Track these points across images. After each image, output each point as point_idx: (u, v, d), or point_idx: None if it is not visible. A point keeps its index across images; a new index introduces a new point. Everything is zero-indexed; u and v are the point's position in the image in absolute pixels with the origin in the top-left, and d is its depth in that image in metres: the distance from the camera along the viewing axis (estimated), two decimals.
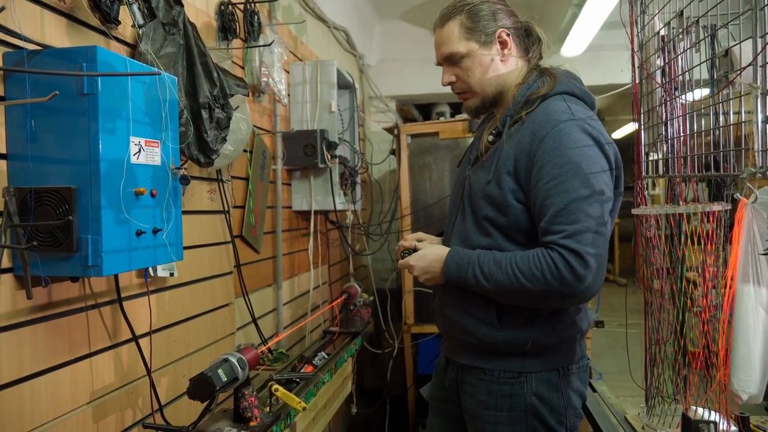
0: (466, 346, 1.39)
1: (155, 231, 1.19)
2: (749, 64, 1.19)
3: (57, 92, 0.94)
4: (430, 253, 1.39)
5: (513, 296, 1.26)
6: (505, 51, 1.37)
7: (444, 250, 1.36)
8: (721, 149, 1.46)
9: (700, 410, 1.43)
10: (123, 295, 1.33)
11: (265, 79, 2.13)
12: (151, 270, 1.43)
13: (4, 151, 1.05)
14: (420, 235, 1.56)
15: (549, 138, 1.23)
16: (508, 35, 1.37)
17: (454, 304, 1.39)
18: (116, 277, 1.31)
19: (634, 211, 1.64)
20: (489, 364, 1.34)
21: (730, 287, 1.25)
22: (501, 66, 1.37)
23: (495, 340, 1.31)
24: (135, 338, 1.36)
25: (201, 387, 1.23)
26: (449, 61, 1.38)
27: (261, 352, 1.50)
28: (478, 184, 1.35)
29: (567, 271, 1.16)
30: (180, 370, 1.61)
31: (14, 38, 1.06)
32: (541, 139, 1.24)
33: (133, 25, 1.36)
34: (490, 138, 1.38)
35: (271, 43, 2.04)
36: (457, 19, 1.36)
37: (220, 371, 1.27)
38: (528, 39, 1.42)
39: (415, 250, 1.44)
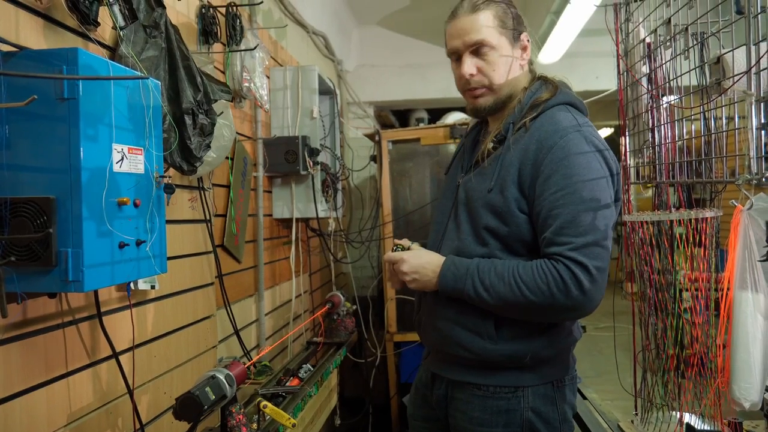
0: (459, 361, 1.34)
1: (138, 243, 1.13)
2: (745, 72, 1.19)
3: (35, 96, 0.88)
4: (425, 255, 1.33)
5: (514, 309, 1.22)
6: (524, 56, 1.36)
7: (439, 258, 1.31)
8: (711, 155, 1.47)
9: (694, 417, 1.43)
10: (102, 309, 1.26)
11: (246, 84, 2.07)
12: (132, 283, 1.36)
13: None
14: (408, 241, 1.49)
15: (557, 148, 1.21)
16: (528, 41, 1.36)
17: (448, 316, 1.33)
18: (96, 291, 1.24)
19: (626, 218, 1.64)
20: (484, 379, 1.30)
21: (726, 295, 1.24)
22: (518, 70, 1.35)
23: (492, 355, 1.27)
24: (115, 355, 1.29)
25: (188, 407, 1.17)
26: (475, 51, 1.31)
27: (247, 366, 1.44)
28: (478, 192, 1.31)
29: (573, 284, 1.14)
30: (161, 387, 1.54)
31: None
32: (549, 149, 1.22)
33: (114, 27, 1.30)
34: (491, 145, 1.35)
35: (256, 47, 1.99)
36: (492, 9, 1.31)
37: (207, 389, 1.21)
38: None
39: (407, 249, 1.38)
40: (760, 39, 1.22)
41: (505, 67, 1.32)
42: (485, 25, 1.30)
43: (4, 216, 0.95)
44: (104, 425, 1.29)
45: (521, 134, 1.29)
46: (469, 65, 1.32)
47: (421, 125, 4.89)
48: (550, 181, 1.20)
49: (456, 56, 1.36)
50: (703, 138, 1.46)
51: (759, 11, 1.22)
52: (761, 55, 1.14)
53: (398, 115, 5.80)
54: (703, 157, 1.47)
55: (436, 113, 5.01)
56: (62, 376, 1.17)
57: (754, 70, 1.21)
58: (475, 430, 1.30)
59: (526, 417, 1.27)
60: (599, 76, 4.59)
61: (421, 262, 1.31)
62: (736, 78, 1.24)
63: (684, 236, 1.45)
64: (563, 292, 1.15)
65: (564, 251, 1.15)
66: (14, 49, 1.03)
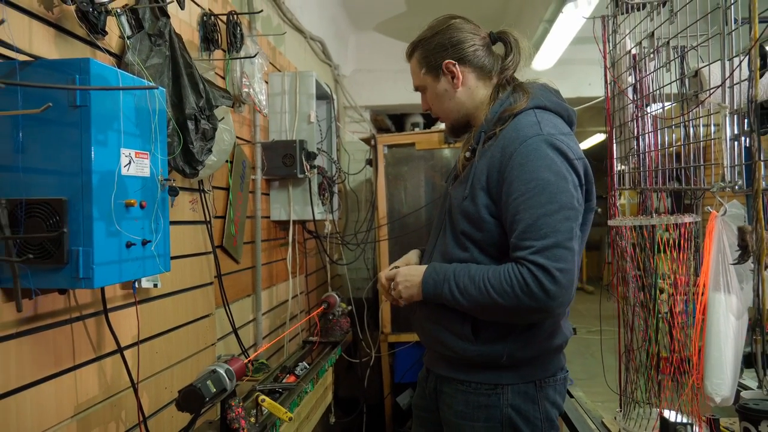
0: (443, 358, 1.42)
1: (144, 242, 1.19)
2: (718, 86, 1.26)
3: (50, 104, 0.94)
4: (407, 269, 1.42)
5: (487, 311, 1.28)
6: (455, 80, 1.40)
7: (422, 268, 1.38)
8: (691, 163, 1.54)
9: (672, 413, 1.49)
10: (108, 306, 1.32)
11: (246, 90, 2.13)
12: (136, 281, 1.41)
13: None
14: (403, 261, 1.57)
15: (517, 154, 1.25)
16: (455, 65, 1.39)
17: (432, 317, 1.41)
18: (102, 288, 1.29)
19: (610, 223, 1.70)
20: (466, 375, 1.37)
21: (702, 294, 1.31)
22: (456, 94, 1.41)
23: (470, 354, 1.33)
24: (120, 350, 1.35)
25: (190, 399, 1.23)
26: (419, 90, 1.49)
27: (245, 363, 1.50)
28: (456, 199, 1.38)
29: (536, 286, 1.17)
30: (162, 382, 1.59)
31: (5, 49, 1.05)
32: (510, 156, 1.26)
33: (121, 36, 1.36)
34: (467, 155, 1.42)
35: (255, 55, 2.05)
36: (417, 54, 1.45)
37: (208, 383, 1.27)
38: (490, 56, 1.42)
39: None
40: (734, 54, 1.29)
41: (439, 99, 1.44)
42: (415, 71, 1.46)
43: (20, 216, 1.01)
44: (108, 417, 1.35)
45: (490, 143, 1.34)
46: (423, 103, 1.50)
47: (417, 130, 4.96)
48: (512, 187, 1.24)
49: None
50: (683, 147, 1.53)
51: (734, 28, 1.30)
52: (733, 70, 1.21)
53: (394, 119, 5.87)
54: (683, 165, 1.54)
55: (431, 118, 5.07)
56: (70, 369, 1.23)
57: (728, 83, 1.28)
58: (460, 422, 1.36)
59: (506, 413, 1.32)
60: (592, 83, 4.67)
61: (410, 270, 1.40)
62: (711, 91, 1.31)
63: (666, 240, 1.52)
64: (527, 294, 1.18)
65: (527, 255, 1.19)
66: (29, 58, 1.08)
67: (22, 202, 1.02)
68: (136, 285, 1.40)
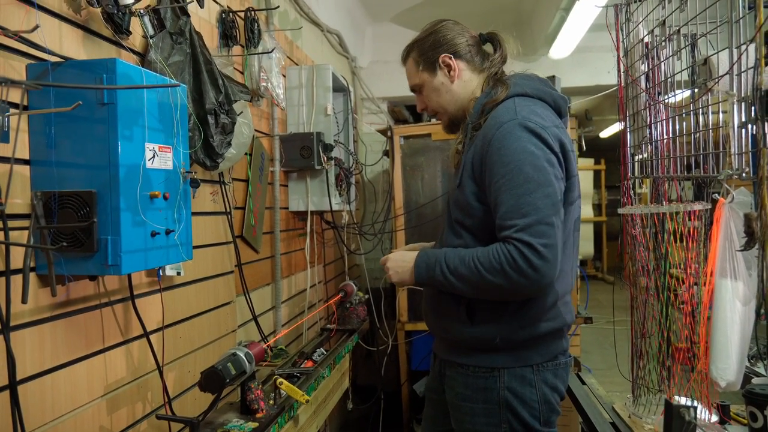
0: (444, 342, 1.50)
1: (168, 232, 1.25)
2: (726, 73, 1.27)
3: (80, 102, 1.00)
4: (399, 253, 1.49)
5: (479, 290, 1.32)
6: (452, 73, 1.48)
7: (413, 254, 1.44)
8: (701, 152, 1.55)
9: (682, 399, 1.52)
10: (134, 293, 1.39)
11: (264, 84, 2.19)
12: (160, 269, 1.48)
13: (27, 157, 1.11)
14: (413, 246, 1.65)
15: (494, 139, 1.32)
16: (450, 58, 1.47)
17: (432, 304, 1.50)
18: (129, 275, 1.37)
19: (620, 211, 1.72)
20: (464, 359, 1.43)
21: (709, 282, 1.33)
22: (452, 86, 1.49)
23: (465, 336, 1.40)
24: (146, 334, 1.42)
25: (212, 380, 1.30)
26: (415, 91, 1.56)
27: (264, 347, 1.56)
28: (451, 190, 1.47)
29: (523, 262, 1.22)
30: (185, 365, 1.67)
31: (37, 51, 1.12)
32: (489, 142, 1.33)
33: (144, 36, 1.42)
34: (460, 147, 1.49)
35: (273, 50, 2.11)
36: (412, 56, 1.53)
37: (229, 365, 1.33)
38: (481, 53, 1.51)
39: None
40: (741, 42, 1.30)
41: (437, 93, 1.50)
42: (411, 72, 1.53)
43: (53, 207, 1.08)
44: (136, 398, 1.43)
45: (476, 134, 1.41)
46: (419, 103, 1.58)
47: (433, 121, 4.97)
48: (492, 171, 1.31)
49: None
50: (693, 135, 1.54)
51: (741, 16, 1.31)
52: (739, 57, 1.22)
53: (412, 110, 5.88)
54: (693, 153, 1.55)
55: None
56: (100, 352, 1.31)
57: (735, 71, 1.29)
58: (461, 404, 1.43)
59: (503, 396, 1.37)
60: (611, 71, 4.63)
61: (400, 256, 1.47)
62: (719, 78, 1.32)
63: (675, 228, 1.54)
64: (515, 270, 1.23)
65: (511, 234, 1.25)
66: (60, 59, 1.15)
67: (55, 194, 1.09)
68: (161, 273, 1.47)
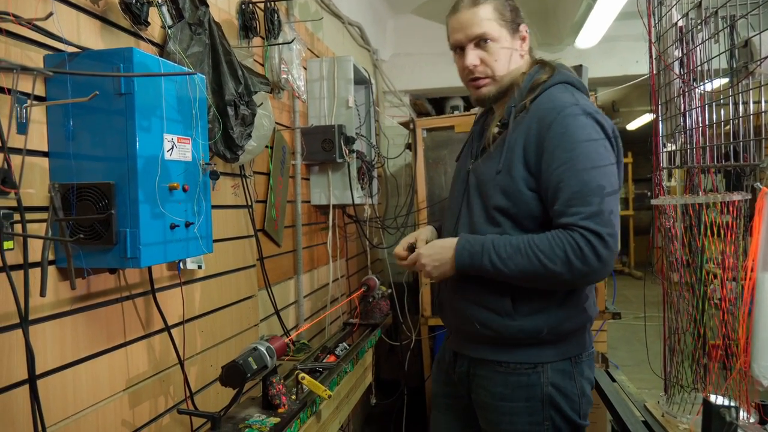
0: (480, 339, 1.39)
1: (187, 224, 1.24)
2: None
3: (97, 92, 0.98)
4: (437, 242, 1.39)
5: (533, 278, 1.27)
6: (523, 46, 1.41)
7: (451, 241, 1.36)
8: (740, 139, 1.47)
9: (718, 398, 1.45)
10: (155, 286, 1.38)
11: (284, 76, 2.16)
12: (181, 262, 1.47)
13: (45, 149, 1.10)
14: (418, 233, 1.54)
15: (556, 123, 1.26)
16: (527, 32, 1.42)
17: (468, 297, 1.39)
18: (150, 269, 1.36)
19: (654, 202, 1.66)
20: (505, 356, 1.36)
21: (750, 277, 1.26)
22: (518, 59, 1.41)
23: (511, 331, 1.33)
24: (168, 328, 1.41)
25: (233, 374, 1.28)
26: (477, 43, 1.38)
27: (286, 342, 1.54)
28: (487, 175, 1.37)
29: (589, 251, 1.19)
30: (207, 360, 1.66)
31: (55, 41, 1.11)
32: (548, 125, 1.27)
33: (162, 26, 1.40)
34: (496, 129, 1.41)
35: (293, 40, 2.08)
36: (491, 3, 1.37)
37: (250, 359, 1.31)
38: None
39: (414, 248, 1.45)
40: None
41: (506, 58, 1.38)
42: (486, 18, 1.36)
43: (72, 200, 1.07)
44: (158, 392, 1.42)
45: (522, 116, 1.34)
46: (473, 57, 1.38)
47: (456, 113, 4.91)
48: (554, 155, 1.25)
49: (459, 49, 1.41)
50: (731, 122, 1.47)
51: None
52: None
53: (434, 103, 5.82)
54: (731, 141, 1.48)
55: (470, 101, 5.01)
56: (121, 345, 1.30)
57: None
58: (498, 404, 1.36)
59: (546, 392, 1.32)
60: (639, 60, 4.50)
61: (435, 249, 1.38)
62: (761, 60, 1.25)
63: (713, 220, 1.47)
64: (580, 259, 1.20)
65: (577, 221, 1.20)
66: (77, 50, 1.14)
67: (74, 186, 1.07)
68: (181, 266, 1.46)
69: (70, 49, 1.13)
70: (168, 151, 1.18)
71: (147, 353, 1.38)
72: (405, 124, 3.61)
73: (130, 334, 1.32)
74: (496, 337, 1.36)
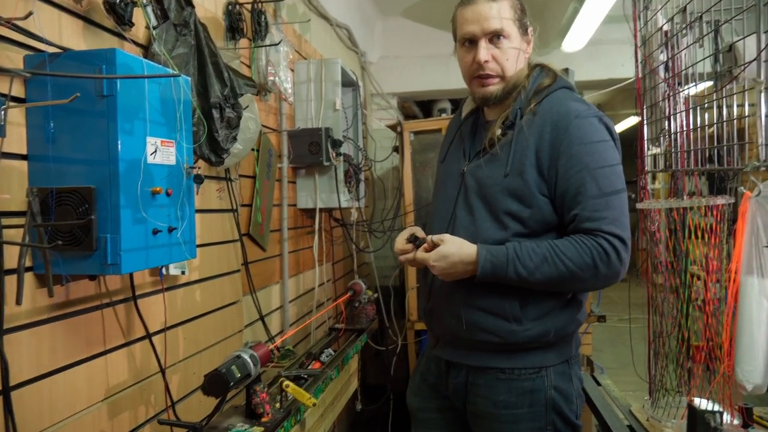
0: (481, 346, 1.35)
1: (170, 229, 1.21)
2: (753, 60, 1.21)
3: (78, 94, 0.96)
4: (453, 253, 1.30)
5: (557, 285, 1.27)
6: (528, 49, 1.41)
7: (469, 249, 1.29)
8: (724, 143, 1.48)
9: (703, 401, 1.45)
10: (136, 293, 1.35)
11: (271, 78, 2.14)
12: (164, 269, 1.45)
13: (25, 152, 1.07)
14: (415, 229, 1.46)
15: (573, 128, 1.27)
16: (532, 35, 1.41)
17: (469, 303, 1.34)
18: (131, 275, 1.33)
19: (639, 206, 1.66)
20: (508, 362, 1.33)
21: (734, 280, 1.27)
22: (523, 61, 1.39)
23: (519, 336, 1.30)
24: (149, 335, 1.38)
25: (215, 383, 1.25)
26: (491, 38, 1.34)
27: (270, 349, 1.52)
28: (493, 178, 1.33)
29: (614, 255, 1.22)
30: (190, 367, 1.63)
31: (36, 41, 1.08)
32: (564, 130, 1.27)
33: (147, 27, 1.38)
34: (499, 131, 1.37)
35: (280, 42, 2.06)
36: (509, 0, 1.35)
37: (233, 368, 1.29)
38: None
39: (417, 241, 1.36)
40: None
41: (515, 59, 1.36)
42: (504, 15, 1.33)
43: (51, 204, 1.04)
44: (138, 401, 1.39)
45: (530, 119, 1.32)
46: (485, 52, 1.34)
47: (443, 116, 4.91)
48: (572, 160, 1.25)
49: (469, 42, 1.37)
50: (715, 126, 1.48)
51: None
52: (766, 43, 1.16)
53: (422, 106, 5.83)
54: (715, 145, 1.49)
55: (458, 104, 5.02)
56: (100, 354, 1.27)
57: (763, 57, 1.23)
58: (500, 413, 1.32)
59: (550, 395, 1.31)
60: (625, 64, 4.54)
61: (450, 262, 1.30)
62: (746, 65, 1.26)
63: (696, 223, 1.48)
64: (605, 263, 1.22)
65: (601, 226, 1.22)
66: (59, 50, 1.11)
67: (53, 190, 1.05)
68: (164, 272, 1.43)
69: (51, 50, 1.10)
70: (151, 154, 1.16)
71: (127, 361, 1.36)
72: (392, 127, 3.60)
73: (110, 342, 1.29)
74: (501, 343, 1.32)
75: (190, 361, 1.63)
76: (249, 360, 1.33)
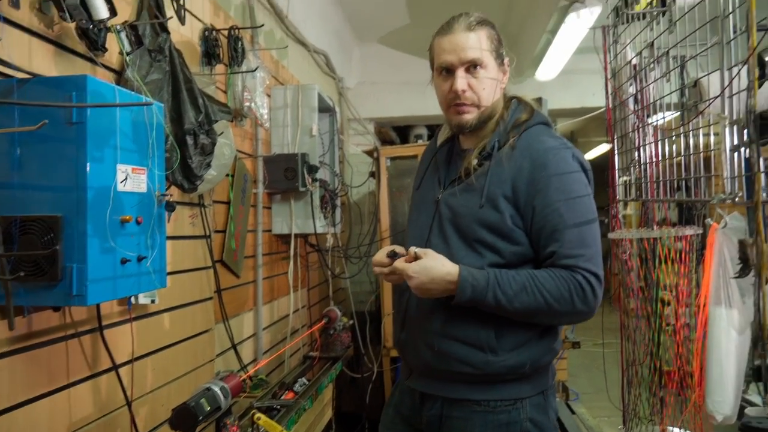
0: (457, 378, 1.32)
1: (140, 258, 1.18)
2: (717, 96, 1.25)
3: (46, 121, 0.94)
4: (434, 268, 1.27)
5: (533, 315, 1.27)
6: (504, 79, 1.40)
7: (451, 267, 1.27)
8: (692, 175, 1.52)
9: (675, 430, 1.46)
10: (103, 323, 1.31)
11: (247, 104, 2.14)
12: (133, 297, 1.41)
13: None
14: (396, 246, 1.42)
15: (551, 165, 1.28)
16: (508, 66, 1.41)
17: (444, 333, 1.32)
18: (98, 305, 1.29)
19: (611, 236, 1.69)
20: (484, 394, 1.31)
21: (703, 310, 1.29)
22: (499, 91, 1.39)
23: (495, 367, 1.28)
24: (115, 367, 1.34)
25: (184, 417, 1.21)
26: (468, 68, 1.35)
27: (242, 379, 1.48)
28: (467, 207, 1.33)
29: (590, 292, 1.23)
30: (158, 399, 1.58)
31: (4, 67, 1.06)
32: (543, 166, 1.28)
33: (120, 52, 1.37)
34: (476, 161, 1.37)
35: (256, 69, 2.06)
36: (486, 30, 1.35)
37: (202, 401, 1.25)
38: None
39: (396, 256, 1.33)
40: (733, 64, 1.28)
41: (492, 89, 1.36)
42: (481, 45, 1.34)
43: (14, 233, 1.01)
44: None
45: (508, 152, 1.33)
46: (462, 81, 1.34)
47: (420, 142, 4.96)
48: (548, 196, 1.26)
49: (446, 71, 1.37)
50: (683, 158, 1.52)
51: (732, 37, 1.29)
52: (731, 79, 1.20)
53: (399, 131, 5.87)
54: (683, 176, 1.52)
55: (435, 130, 5.07)
56: (63, 388, 1.22)
57: (727, 93, 1.27)
58: None
59: (525, 427, 1.29)
60: (596, 93, 4.66)
61: (429, 276, 1.27)
62: (710, 101, 1.30)
63: (667, 252, 1.50)
64: (581, 298, 1.22)
65: (579, 263, 1.23)
66: (28, 76, 1.09)
67: (17, 219, 1.02)
68: (132, 301, 1.40)
69: (21, 75, 1.08)
70: (121, 182, 1.14)
71: (92, 395, 1.31)
72: (369, 153, 3.62)
73: (74, 374, 1.25)
74: (476, 374, 1.30)
75: (158, 393, 1.58)
76: (219, 392, 1.30)
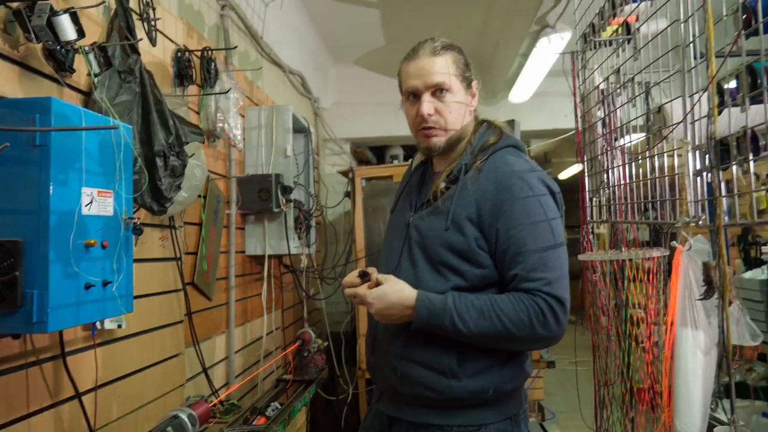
0: (420, 402, 1.32)
1: (105, 283, 1.16)
2: (680, 122, 1.28)
3: (8, 144, 0.92)
4: (392, 294, 1.29)
5: (491, 340, 1.25)
6: (473, 102, 1.42)
7: (409, 293, 1.29)
8: (658, 197, 1.56)
9: None
10: (67, 349, 1.27)
11: (220, 125, 2.13)
12: (98, 323, 1.37)
13: None
14: (371, 269, 1.41)
15: (516, 189, 1.27)
16: (477, 89, 1.42)
17: (408, 356, 1.32)
18: (60, 332, 1.25)
19: (581, 257, 1.71)
20: (447, 419, 1.30)
21: (670, 330, 1.31)
22: (467, 115, 1.41)
23: (457, 392, 1.28)
24: (78, 396, 1.30)
25: None
26: (434, 92, 1.36)
27: (212, 405, 1.45)
28: (433, 230, 1.34)
29: (551, 316, 1.21)
30: (124, 428, 1.53)
31: None
32: (507, 189, 1.28)
33: (89, 74, 1.35)
34: (443, 185, 1.39)
35: (228, 91, 2.06)
36: (451, 55, 1.37)
37: (168, 429, 1.22)
38: None
39: (366, 277, 1.33)
40: (694, 91, 1.32)
41: (459, 112, 1.38)
42: (446, 69, 1.35)
43: None
44: None
45: (473, 175, 1.34)
46: (428, 105, 1.36)
47: (395, 162, 4.99)
48: (513, 219, 1.26)
49: (413, 95, 1.40)
50: (649, 181, 1.55)
51: (693, 66, 1.33)
52: (693, 106, 1.24)
53: (375, 151, 5.90)
54: (650, 199, 1.56)
55: (412, 149, 5.11)
56: (23, 417, 1.18)
57: (689, 119, 1.31)
58: None
59: None
60: (568, 115, 4.77)
61: (387, 303, 1.29)
62: (673, 126, 1.34)
63: (635, 273, 1.53)
64: (542, 324, 1.21)
65: (540, 287, 1.22)
66: None
67: None
68: (98, 326, 1.36)
69: None
70: (86, 205, 1.11)
71: (54, 424, 1.26)
72: (344, 173, 3.62)
73: (34, 404, 1.20)
74: (438, 399, 1.29)
75: (124, 421, 1.53)
76: (187, 420, 1.27)
